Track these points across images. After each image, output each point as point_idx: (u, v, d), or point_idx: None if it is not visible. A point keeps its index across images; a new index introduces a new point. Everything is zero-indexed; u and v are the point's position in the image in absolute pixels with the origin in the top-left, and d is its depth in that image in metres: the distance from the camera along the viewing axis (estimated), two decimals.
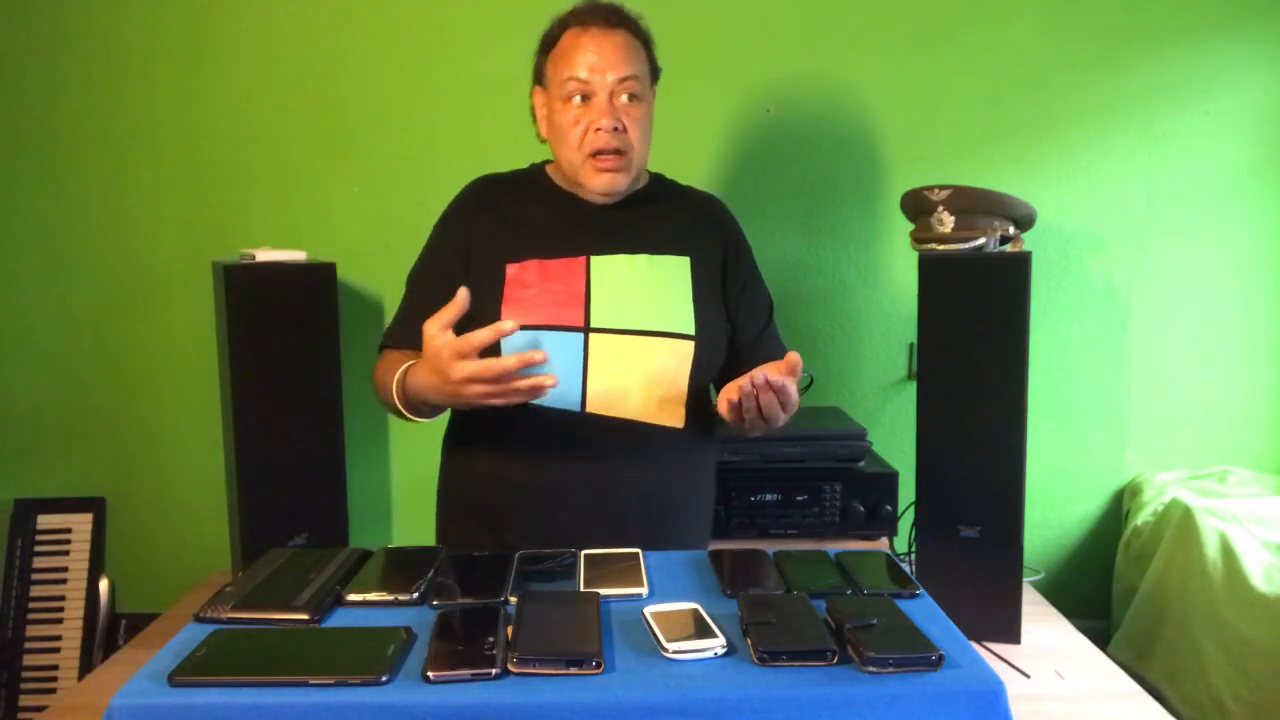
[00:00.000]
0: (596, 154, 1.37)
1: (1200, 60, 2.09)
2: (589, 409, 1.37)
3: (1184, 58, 2.09)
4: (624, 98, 1.36)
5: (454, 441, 1.51)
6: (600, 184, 1.39)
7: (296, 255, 1.82)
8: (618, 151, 1.37)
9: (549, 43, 1.41)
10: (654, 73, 1.44)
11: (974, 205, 1.63)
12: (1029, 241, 1.69)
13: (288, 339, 1.76)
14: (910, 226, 1.74)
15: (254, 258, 1.78)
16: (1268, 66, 2.09)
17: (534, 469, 1.39)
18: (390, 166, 2.13)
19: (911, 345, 2.13)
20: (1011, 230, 1.66)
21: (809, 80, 2.12)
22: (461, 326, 1.39)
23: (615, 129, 1.35)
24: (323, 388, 1.83)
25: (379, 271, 2.09)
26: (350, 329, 1.91)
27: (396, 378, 1.31)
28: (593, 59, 1.34)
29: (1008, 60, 2.10)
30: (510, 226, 1.43)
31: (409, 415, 1.34)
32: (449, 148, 2.12)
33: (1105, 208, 2.13)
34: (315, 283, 1.81)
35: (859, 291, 2.17)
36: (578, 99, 1.36)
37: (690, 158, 2.05)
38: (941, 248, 1.62)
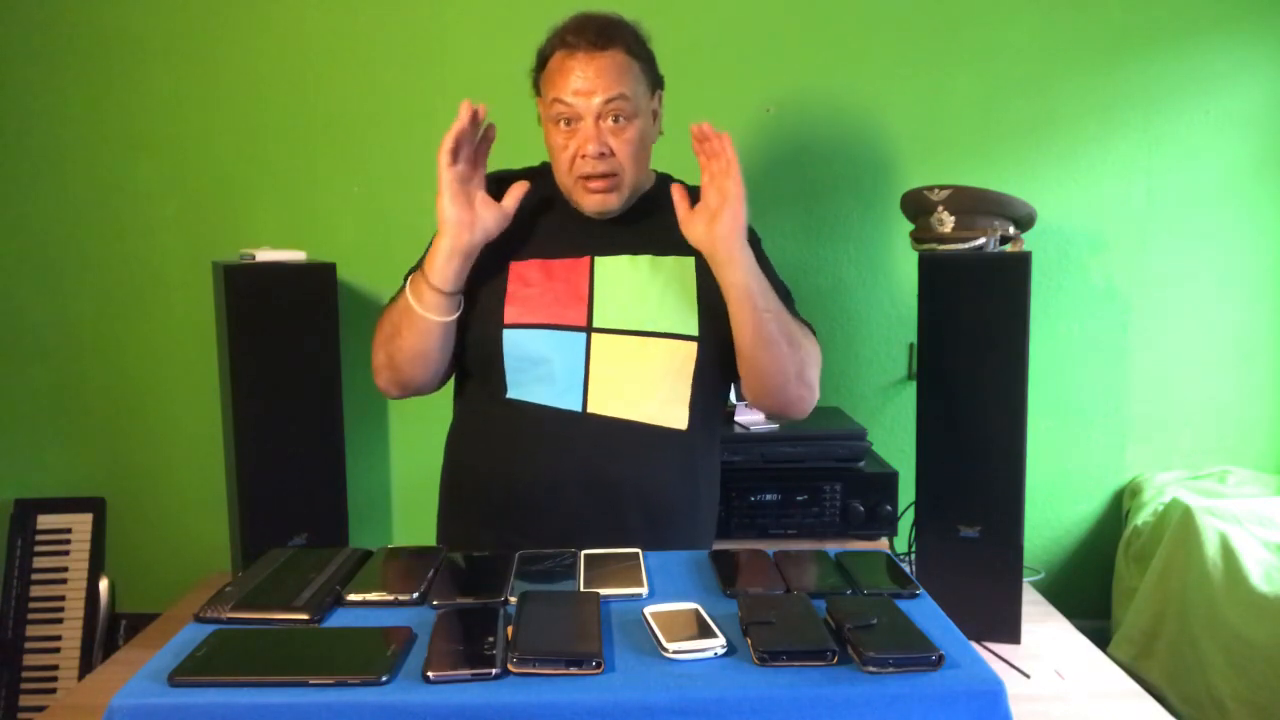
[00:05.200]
0: (586, 178, 1.36)
1: (1200, 60, 2.09)
2: (590, 409, 1.37)
3: (1184, 58, 2.09)
4: (611, 120, 1.34)
5: (455, 441, 1.51)
6: (591, 206, 1.39)
7: (296, 255, 1.82)
8: (605, 175, 1.36)
9: (541, 62, 1.40)
10: (655, 81, 1.42)
11: (974, 205, 1.63)
12: (1029, 241, 1.69)
13: (288, 339, 1.76)
14: (910, 226, 1.74)
15: (254, 258, 1.78)
16: (1268, 66, 2.09)
17: (535, 469, 1.38)
18: (390, 166, 2.13)
19: (911, 345, 2.13)
20: (1011, 230, 1.66)
21: (809, 81, 2.12)
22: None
23: (601, 154, 1.34)
24: (323, 388, 1.83)
25: (379, 271, 2.09)
26: (350, 329, 1.91)
27: (408, 284, 1.36)
28: (578, 83, 1.33)
29: (1008, 60, 2.10)
30: (516, 224, 1.42)
31: (423, 310, 1.33)
32: None
33: (1105, 208, 2.13)
34: (315, 283, 1.81)
35: (859, 291, 2.17)
36: (564, 123, 1.35)
37: (690, 159, 2.04)
38: (941, 248, 1.62)
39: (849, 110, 2.13)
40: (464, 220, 1.31)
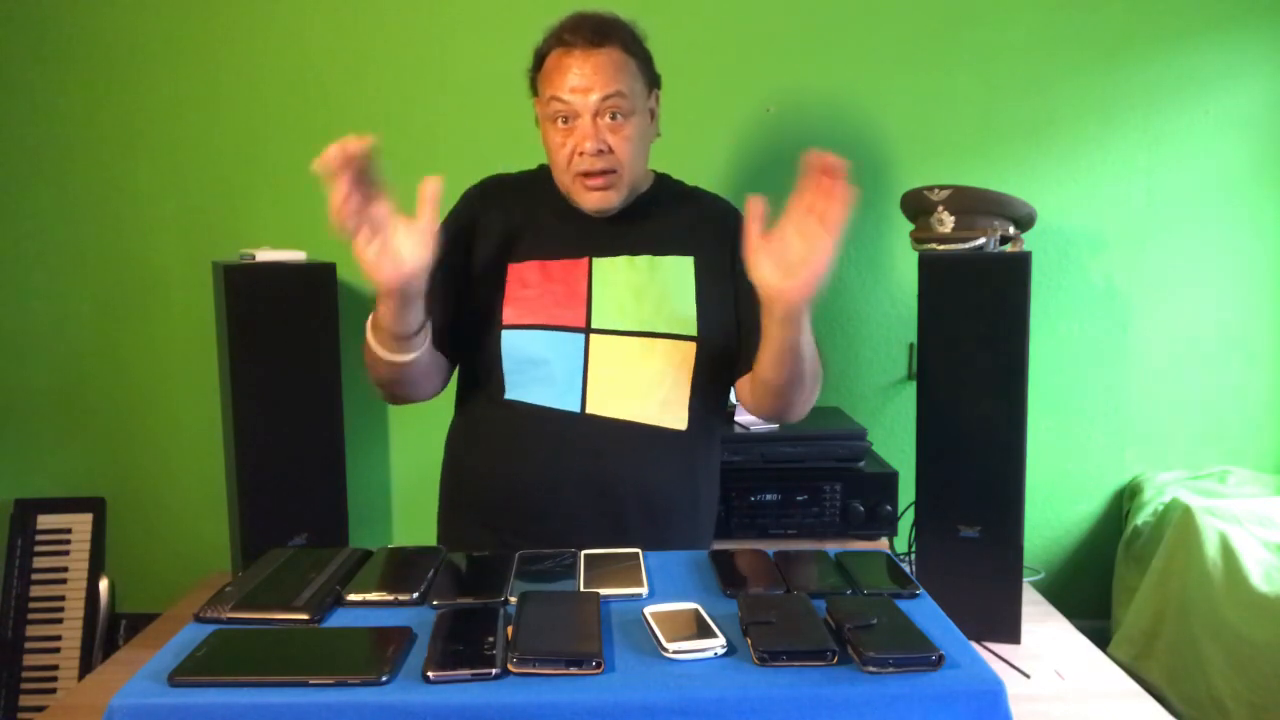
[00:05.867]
0: (584, 175, 1.35)
1: (1200, 60, 2.09)
2: (589, 410, 1.37)
3: (1184, 58, 2.09)
4: (608, 117, 1.34)
5: (455, 441, 1.51)
6: (590, 203, 1.38)
7: (296, 255, 1.82)
8: (604, 172, 1.35)
9: (538, 61, 1.40)
10: (652, 79, 1.42)
11: (974, 205, 1.63)
12: (1029, 241, 1.69)
13: (288, 339, 1.76)
14: (910, 226, 1.74)
15: (254, 258, 1.78)
16: (1268, 66, 2.09)
17: (534, 470, 1.38)
18: (390, 166, 2.12)
19: (911, 345, 2.13)
20: (1011, 230, 1.66)
21: (809, 80, 2.12)
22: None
23: (600, 151, 1.33)
24: (323, 388, 1.83)
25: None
26: (350, 329, 1.90)
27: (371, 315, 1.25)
28: (575, 80, 1.32)
29: (1008, 60, 2.10)
30: (515, 226, 1.43)
31: (380, 348, 1.25)
32: (449, 148, 2.12)
33: (1105, 208, 2.13)
34: (315, 283, 1.81)
35: (859, 291, 2.17)
36: (562, 120, 1.34)
37: (690, 159, 2.04)
38: (941, 248, 1.62)
39: (849, 110, 2.13)
40: (377, 263, 1.14)
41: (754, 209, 1.15)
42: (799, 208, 1.12)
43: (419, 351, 1.27)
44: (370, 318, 1.26)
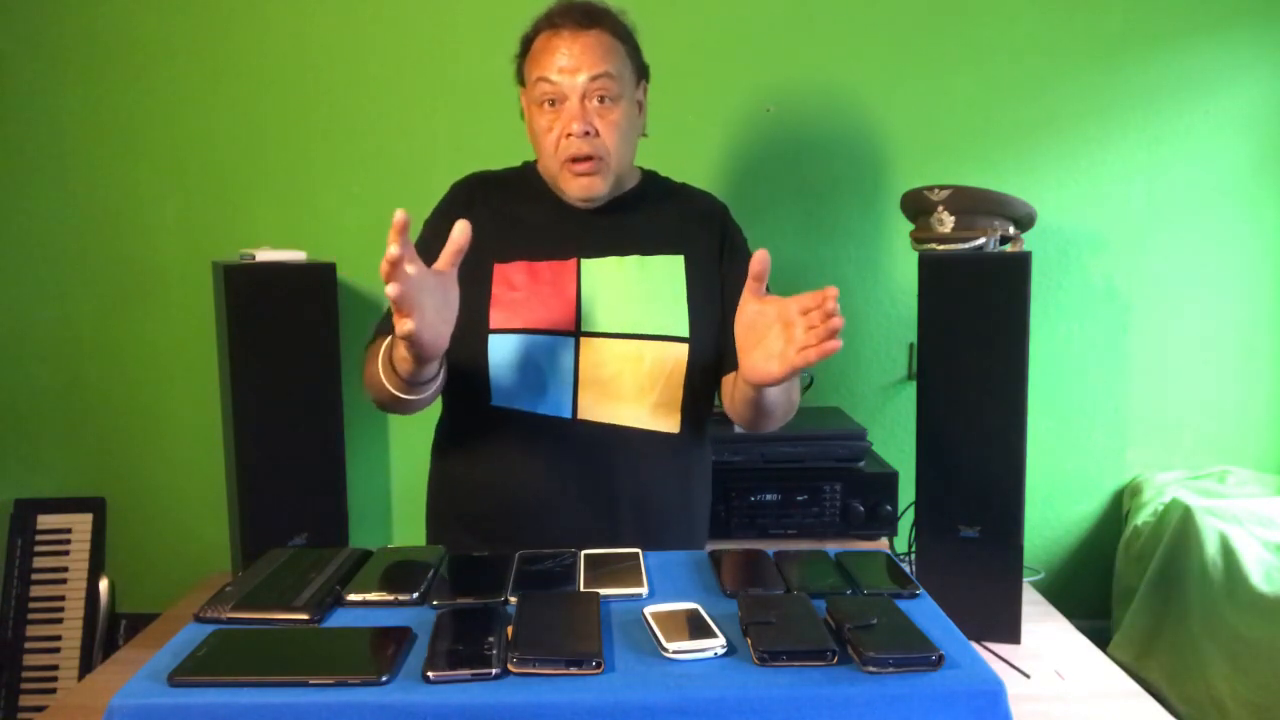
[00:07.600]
0: (571, 160, 1.33)
1: (1200, 60, 2.09)
2: (580, 415, 1.35)
3: (1184, 58, 2.09)
4: (596, 99, 1.32)
5: (442, 449, 1.48)
6: (577, 190, 1.35)
7: (296, 255, 1.82)
8: (591, 157, 1.33)
9: (525, 45, 1.38)
10: (640, 70, 1.40)
11: (974, 205, 1.63)
12: (1029, 241, 1.69)
13: (288, 339, 1.76)
14: (910, 226, 1.74)
15: (254, 258, 1.78)
16: (1268, 66, 2.10)
17: (525, 477, 1.37)
18: (390, 166, 2.13)
19: (911, 345, 2.13)
20: (1011, 230, 1.66)
21: (809, 80, 2.12)
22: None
23: (587, 133, 1.31)
24: (323, 388, 1.83)
25: (379, 271, 2.08)
26: (350, 329, 1.91)
27: (384, 347, 1.23)
28: (563, 61, 1.30)
29: (1008, 60, 2.11)
30: (501, 225, 1.40)
31: (394, 390, 1.22)
32: (449, 148, 2.12)
33: (1105, 208, 2.13)
34: (315, 283, 1.81)
35: (859, 291, 2.17)
36: (549, 103, 1.33)
37: (690, 158, 2.05)
38: (941, 248, 1.62)
39: (849, 110, 2.13)
40: (427, 343, 1.11)
41: (756, 266, 1.12)
42: (801, 308, 1.07)
43: (434, 389, 1.25)
44: (381, 355, 1.22)
